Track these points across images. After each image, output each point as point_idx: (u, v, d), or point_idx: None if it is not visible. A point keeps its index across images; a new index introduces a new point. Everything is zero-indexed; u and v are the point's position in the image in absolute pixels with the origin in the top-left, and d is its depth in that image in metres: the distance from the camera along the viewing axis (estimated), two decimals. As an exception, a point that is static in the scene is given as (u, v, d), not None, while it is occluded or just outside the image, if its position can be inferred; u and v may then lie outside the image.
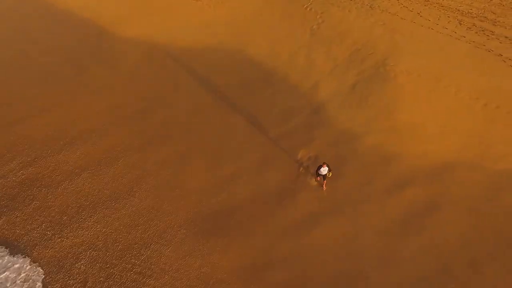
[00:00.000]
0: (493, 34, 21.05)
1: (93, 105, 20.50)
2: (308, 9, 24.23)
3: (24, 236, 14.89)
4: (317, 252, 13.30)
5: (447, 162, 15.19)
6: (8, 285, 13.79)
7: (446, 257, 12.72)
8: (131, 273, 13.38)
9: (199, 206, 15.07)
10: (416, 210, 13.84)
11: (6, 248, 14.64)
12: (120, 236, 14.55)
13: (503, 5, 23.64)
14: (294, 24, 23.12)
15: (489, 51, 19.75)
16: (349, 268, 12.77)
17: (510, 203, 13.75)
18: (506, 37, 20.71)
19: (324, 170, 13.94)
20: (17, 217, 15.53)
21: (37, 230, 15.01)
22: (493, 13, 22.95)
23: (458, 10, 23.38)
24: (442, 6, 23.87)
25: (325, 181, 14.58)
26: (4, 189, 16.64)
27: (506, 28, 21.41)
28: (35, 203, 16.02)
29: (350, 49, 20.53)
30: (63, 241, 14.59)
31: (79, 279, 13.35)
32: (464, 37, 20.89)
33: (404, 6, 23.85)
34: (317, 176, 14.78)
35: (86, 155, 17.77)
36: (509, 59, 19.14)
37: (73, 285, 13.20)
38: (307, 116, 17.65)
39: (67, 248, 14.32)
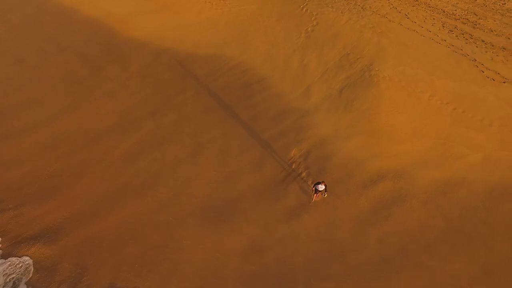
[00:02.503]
0: (472, 38, 23.08)
1: (108, 107, 23.15)
2: (304, 10, 26.07)
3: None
4: (304, 235, 16.51)
5: (415, 160, 18.03)
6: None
7: (405, 240, 15.90)
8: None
9: (209, 198, 18.20)
10: (385, 202, 16.89)
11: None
12: (148, 218, 17.83)
13: (485, 6, 25.39)
14: (290, 26, 25.10)
15: (465, 55, 21.94)
16: (328, 249, 16.04)
17: (461, 196, 16.74)
18: (482, 41, 22.78)
19: (321, 187, 16.61)
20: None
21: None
22: (475, 14, 24.79)
23: (444, 11, 25.19)
24: (429, 7, 25.64)
25: (316, 195, 17.03)
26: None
27: (484, 31, 23.40)
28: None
29: (340, 54, 22.74)
30: (97, 225, 17.91)
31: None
32: (445, 40, 22.96)
33: (393, 7, 25.64)
34: (316, 191, 16.73)
35: (105, 152, 20.73)
36: (482, 64, 21.39)
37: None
38: (299, 118, 20.32)
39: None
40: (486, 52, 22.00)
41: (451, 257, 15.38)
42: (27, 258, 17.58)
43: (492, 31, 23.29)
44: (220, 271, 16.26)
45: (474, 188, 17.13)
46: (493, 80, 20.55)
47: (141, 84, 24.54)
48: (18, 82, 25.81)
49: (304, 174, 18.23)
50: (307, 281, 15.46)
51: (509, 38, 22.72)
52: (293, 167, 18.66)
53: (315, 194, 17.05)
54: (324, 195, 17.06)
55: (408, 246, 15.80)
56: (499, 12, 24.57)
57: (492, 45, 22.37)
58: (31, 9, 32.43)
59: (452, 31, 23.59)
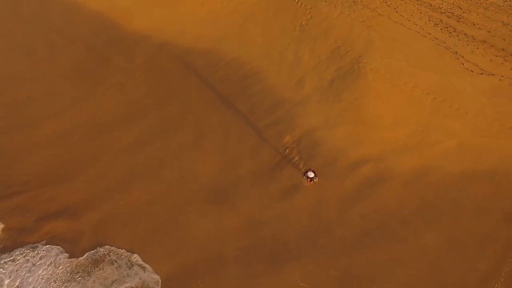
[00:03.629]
0: (455, 31, 24.64)
1: (116, 97, 24.96)
2: (299, 4, 27.50)
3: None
4: (295, 212, 18.66)
5: (396, 146, 19.99)
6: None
7: (384, 216, 18.04)
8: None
9: (211, 181, 20.28)
10: (368, 183, 18.95)
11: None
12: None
13: (470, 0, 26.79)
14: (285, 20, 26.61)
15: (447, 48, 23.57)
16: (316, 224, 18.20)
17: (436, 178, 18.77)
18: (465, 34, 24.34)
19: (310, 174, 18.63)
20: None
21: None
22: (460, 8, 26.23)
23: (430, 5, 26.63)
24: (417, 1, 27.06)
25: (310, 181, 19.02)
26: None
27: (467, 25, 24.93)
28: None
29: (332, 46, 24.37)
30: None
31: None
32: (430, 34, 24.54)
33: (383, 1, 27.05)
34: (307, 178, 18.82)
35: (115, 141, 22.71)
36: (462, 56, 23.06)
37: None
38: (292, 108, 22.18)
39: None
40: (468, 45, 23.61)
41: (424, 231, 17.55)
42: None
43: (474, 24, 24.81)
44: (220, 245, 18.49)
45: (448, 170, 19.14)
46: (472, 71, 22.26)
47: (146, 75, 26.28)
48: (30, 74, 27.54)
49: (296, 159, 20.24)
50: (297, 253, 17.69)
51: (489, 32, 24.27)
52: (287, 152, 20.67)
53: (308, 180, 19.04)
54: (315, 180, 19.07)
55: (386, 222, 17.95)
56: (482, 6, 26.00)
57: (474, 38, 23.95)
58: (38, 2, 33.76)
59: (437, 24, 25.13)
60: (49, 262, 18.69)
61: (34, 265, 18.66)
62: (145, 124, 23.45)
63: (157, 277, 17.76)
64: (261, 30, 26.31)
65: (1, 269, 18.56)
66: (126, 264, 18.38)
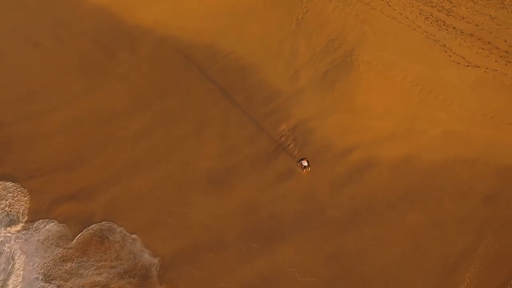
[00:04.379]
0: (444, 25, 25.80)
1: (121, 88, 26.22)
2: (296, -3, 28.59)
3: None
4: (290, 195, 20.14)
5: (385, 134, 21.37)
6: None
7: (372, 199, 19.52)
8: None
9: (212, 166, 21.71)
10: (357, 168, 20.39)
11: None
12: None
13: (461, -6, 27.83)
14: (283, 13, 27.71)
15: (436, 41, 24.77)
16: (309, 206, 19.70)
17: (419, 164, 20.20)
18: (454, 27, 25.51)
19: (304, 163, 20.05)
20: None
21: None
22: (450, 2, 27.34)
23: (422, -1, 27.72)
24: (410, -6, 28.11)
25: (305, 169, 20.42)
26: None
27: (456, 18, 26.07)
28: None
29: (326, 39, 25.55)
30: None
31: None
32: (420, 27, 25.70)
33: (377, -5, 28.11)
34: (301, 166, 20.24)
35: (122, 129, 24.09)
36: (450, 49, 24.28)
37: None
38: (288, 98, 23.50)
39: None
40: (456, 38, 24.80)
41: (408, 212, 19.05)
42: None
43: (463, 18, 25.95)
44: (221, 226, 20.02)
45: (432, 157, 20.56)
46: (459, 64, 23.52)
47: (149, 67, 27.50)
48: (38, 66, 28.75)
49: (291, 146, 21.66)
50: (292, 231, 19.22)
51: (477, 25, 25.42)
52: (282, 140, 22.08)
53: (302, 169, 20.42)
54: (308, 169, 20.46)
55: (374, 204, 19.45)
56: (472, 0, 27.08)
57: (462, 32, 25.13)
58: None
59: (427, 18, 26.26)
60: (52, 237, 20.29)
61: (41, 239, 20.30)
62: (149, 113, 24.78)
63: (155, 260, 19.22)
64: (259, 24, 27.42)
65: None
66: (123, 242, 19.94)
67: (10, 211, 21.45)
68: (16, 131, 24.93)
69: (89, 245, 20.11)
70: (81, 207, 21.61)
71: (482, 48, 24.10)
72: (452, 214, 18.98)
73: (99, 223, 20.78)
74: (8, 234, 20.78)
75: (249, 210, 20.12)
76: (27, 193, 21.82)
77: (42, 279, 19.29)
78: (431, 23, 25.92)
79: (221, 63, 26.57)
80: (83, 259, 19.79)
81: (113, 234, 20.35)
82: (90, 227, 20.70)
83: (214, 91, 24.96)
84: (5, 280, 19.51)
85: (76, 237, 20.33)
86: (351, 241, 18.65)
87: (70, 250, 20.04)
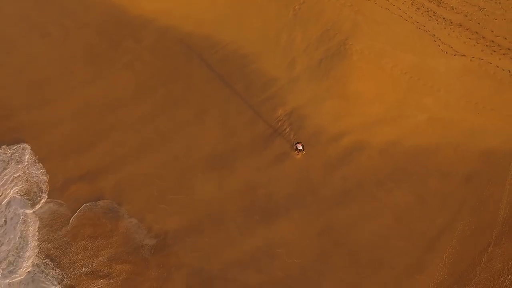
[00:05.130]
0: (435, 15, 26.95)
1: (126, 77, 27.54)
2: (293, -12, 29.62)
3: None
4: (286, 175, 21.72)
5: (375, 119, 22.80)
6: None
7: (362, 178, 21.08)
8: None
9: (213, 150, 23.23)
10: (349, 151, 21.91)
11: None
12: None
13: (452, -16, 28.86)
14: (280, 4, 28.79)
15: (426, 31, 25.97)
16: (303, 185, 21.29)
17: (408, 146, 21.70)
18: (443, 18, 26.66)
19: (299, 147, 21.49)
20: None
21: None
22: (442, -7, 28.38)
23: (414, -10, 28.72)
24: (403, -15, 29.13)
25: (299, 153, 21.86)
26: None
27: (446, 9, 27.19)
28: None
29: (322, 29, 26.77)
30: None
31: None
32: (412, 18, 26.85)
33: (371, -14, 29.15)
34: (296, 150, 21.69)
35: (127, 116, 25.58)
36: (439, 39, 25.51)
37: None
38: (285, 85, 24.87)
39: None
40: (445, 28, 25.99)
41: (394, 190, 20.66)
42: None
43: (453, 8, 27.06)
44: (222, 204, 21.66)
45: (419, 140, 22.04)
46: (446, 53, 24.78)
47: (152, 56, 28.76)
48: (46, 56, 30.01)
49: (287, 130, 23.15)
50: (288, 209, 20.87)
51: (466, 16, 26.56)
52: (279, 124, 23.56)
53: (297, 152, 21.89)
54: (303, 153, 21.95)
55: (363, 183, 21.03)
56: (462, -9, 28.15)
57: (451, 22, 26.30)
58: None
59: (419, 9, 27.38)
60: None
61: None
62: (153, 100, 26.18)
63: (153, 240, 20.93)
64: (257, 15, 28.56)
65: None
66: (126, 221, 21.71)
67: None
68: (28, 118, 26.40)
69: (91, 223, 21.78)
70: (90, 187, 23.22)
71: (469, 38, 25.33)
72: (435, 193, 20.57)
73: (103, 201, 22.43)
74: (28, 211, 22.51)
75: (247, 190, 21.73)
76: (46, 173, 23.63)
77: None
78: (422, 13, 27.06)
79: (220, 53, 27.84)
80: (84, 237, 21.52)
81: (117, 213, 22.01)
82: (89, 203, 22.34)
83: (214, 79, 26.31)
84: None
85: (74, 215, 22.02)
86: (341, 217, 20.31)
87: (71, 228, 21.77)
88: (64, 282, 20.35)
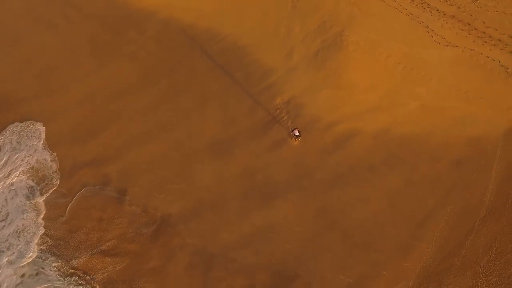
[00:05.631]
0: (429, 7, 27.76)
1: (130, 66, 28.49)
2: (292, -20, 30.38)
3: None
4: (283, 160, 22.79)
5: (369, 107, 23.79)
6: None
7: (356, 163, 22.14)
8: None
9: (214, 136, 24.29)
10: (343, 137, 22.95)
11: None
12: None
13: (447, -23, 29.59)
14: (280, -5, 29.68)
15: (420, 23, 26.82)
16: (299, 170, 22.38)
17: (400, 132, 22.74)
18: (437, 10, 27.48)
19: (296, 133, 22.51)
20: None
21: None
22: (436, -14, 29.14)
23: (410, -18, 29.48)
24: (399, -22, 29.87)
25: (297, 138, 22.94)
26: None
27: (439, 1, 27.97)
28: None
29: (319, 21, 27.61)
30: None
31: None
32: (406, 9, 27.67)
33: (368, -21, 29.90)
34: (293, 136, 22.73)
35: (131, 103, 26.57)
36: (432, 30, 26.37)
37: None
38: (283, 75, 25.82)
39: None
40: (438, 19, 26.82)
41: (387, 174, 21.75)
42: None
43: (446, 0, 27.83)
44: (222, 187, 22.78)
45: (411, 127, 23.07)
46: (439, 44, 25.67)
47: (156, 47, 29.68)
48: (52, 46, 30.98)
49: (285, 118, 24.18)
50: (284, 192, 21.97)
51: (459, 8, 27.36)
52: (277, 112, 24.58)
53: (294, 138, 22.91)
54: (299, 139, 22.98)
55: (357, 167, 22.11)
56: (456, -17, 28.90)
57: (444, 14, 27.12)
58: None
59: (413, 0, 28.15)
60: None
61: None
62: (157, 88, 27.19)
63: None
64: (257, 7, 29.39)
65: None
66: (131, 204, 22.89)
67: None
68: (37, 106, 27.49)
69: (96, 207, 22.95)
70: (96, 172, 24.36)
71: (461, 29, 26.19)
72: (425, 177, 21.66)
73: (109, 185, 23.57)
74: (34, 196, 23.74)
75: (246, 174, 22.83)
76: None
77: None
78: (416, 5, 27.87)
79: (221, 44, 28.75)
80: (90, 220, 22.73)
81: (122, 197, 23.15)
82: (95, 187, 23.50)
83: (216, 69, 27.26)
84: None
85: (75, 199, 23.29)
86: (335, 199, 21.43)
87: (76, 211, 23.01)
88: (72, 261, 21.52)
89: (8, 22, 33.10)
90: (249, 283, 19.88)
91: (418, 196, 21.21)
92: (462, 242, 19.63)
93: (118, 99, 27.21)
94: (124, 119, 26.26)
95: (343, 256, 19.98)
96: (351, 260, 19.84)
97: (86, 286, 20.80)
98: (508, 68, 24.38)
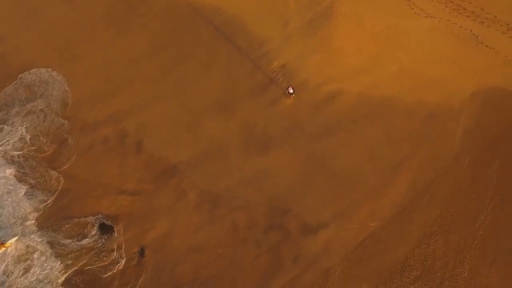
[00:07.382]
0: (412, -18, 30.78)
1: (143, 36, 31.65)
2: (288, -41, 33.25)
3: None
4: (279, 115, 26.22)
5: (354, 69, 27.09)
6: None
7: (341, 117, 25.56)
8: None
9: (218, 96, 27.67)
10: (331, 95, 26.29)
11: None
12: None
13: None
14: (277, -27, 32.61)
15: (403, -4, 29.95)
16: (293, 123, 25.82)
17: (379, 91, 26.11)
18: (419, -16, 30.53)
19: (290, 90, 25.86)
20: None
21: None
22: (419, -37, 32.08)
23: (396, -40, 32.40)
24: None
25: (291, 96, 26.33)
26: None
27: (422, -23, 31.01)
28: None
29: (312, -6, 30.78)
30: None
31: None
32: (391, -15, 30.73)
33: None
34: (288, 93, 26.04)
35: (144, 70, 29.84)
36: (413, 3, 29.51)
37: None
38: (280, 42, 29.08)
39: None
40: (419, -7, 29.94)
41: (367, 126, 25.19)
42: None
43: (427, -24, 30.88)
44: (225, 139, 26.21)
45: (390, 85, 26.42)
46: (419, 15, 28.85)
47: (164, 19, 32.75)
48: (71, 19, 34.04)
49: (281, 79, 27.56)
50: (279, 142, 25.46)
51: (439, -18, 30.42)
52: (274, 74, 27.95)
53: (288, 96, 26.29)
54: (293, 96, 26.35)
55: (342, 121, 25.58)
56: (437, -39, 31.83)
57: (425, -12, 30.21)
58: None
59: (398, -24, 31.18)
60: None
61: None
62: (166, 56, 30.42)
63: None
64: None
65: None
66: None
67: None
68: (59, 70, 30.82)
69: (117, 153, 26.49)
70: (115, 126, 27.77)
71: (439, 2, 29.33)
72: (400, 129, 25.10)
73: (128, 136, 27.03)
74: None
75: (247, 127, 26.30)
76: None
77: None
78: (401, -20, 30.88)
79: (224, 16, 31.87)
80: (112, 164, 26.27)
81: (139, 146, 26.65)
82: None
83: (219, 38, 30.48)
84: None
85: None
86: (323, 148, 24.92)
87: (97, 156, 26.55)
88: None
89: (26, -5, 36.07)
90: (248, 216, 23.49)
91: (393, 145, 24.65)
92: (432, 181, 23.11)
93: (133, 65, 30.43)
94: (138, 83, 29.55)
95: (329, 194, 23.52)
96: (335, 198, 23.40)
97: (108, 220, 24.49)
98: (478, 37, 27.64)
